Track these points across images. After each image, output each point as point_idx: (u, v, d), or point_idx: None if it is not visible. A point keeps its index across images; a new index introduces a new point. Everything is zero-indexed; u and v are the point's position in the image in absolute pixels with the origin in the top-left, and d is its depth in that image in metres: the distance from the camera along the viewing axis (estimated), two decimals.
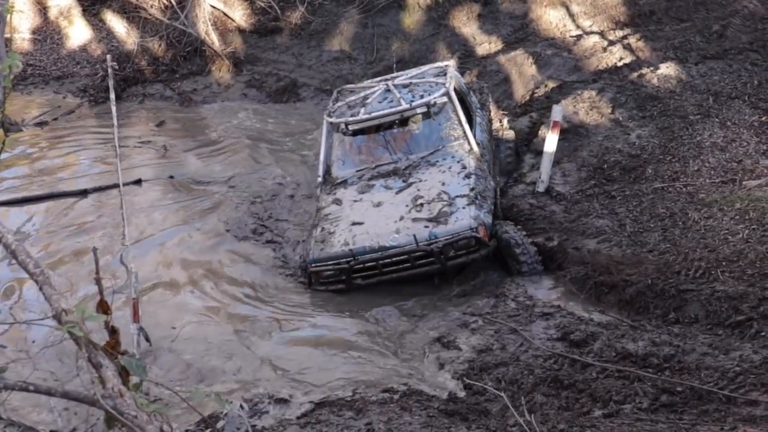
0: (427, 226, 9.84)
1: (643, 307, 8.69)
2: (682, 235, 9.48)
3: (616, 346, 7.58)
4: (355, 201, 10.72)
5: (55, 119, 17.26)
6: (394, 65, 15.67)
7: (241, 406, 6.54)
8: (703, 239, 9.20)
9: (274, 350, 8.85)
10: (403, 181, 10.75)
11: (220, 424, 6.36)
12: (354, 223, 10.28)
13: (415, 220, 9.98)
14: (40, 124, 17.09)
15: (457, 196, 10.18)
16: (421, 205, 10.19)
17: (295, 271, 10.96)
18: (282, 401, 7.22)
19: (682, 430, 5.81)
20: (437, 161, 11.01)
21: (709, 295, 8.14)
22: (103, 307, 3.70)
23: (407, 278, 9.92)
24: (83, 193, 13.53)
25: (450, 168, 10.78)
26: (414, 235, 9.71)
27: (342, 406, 7.06)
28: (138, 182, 13.82)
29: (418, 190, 10.49)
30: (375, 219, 10.22)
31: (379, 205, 10.46)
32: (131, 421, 2.99)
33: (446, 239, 9.67)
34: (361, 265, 9.86)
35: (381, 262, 9.78)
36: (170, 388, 4.77)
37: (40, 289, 3.51)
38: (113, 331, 3.66)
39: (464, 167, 10.71)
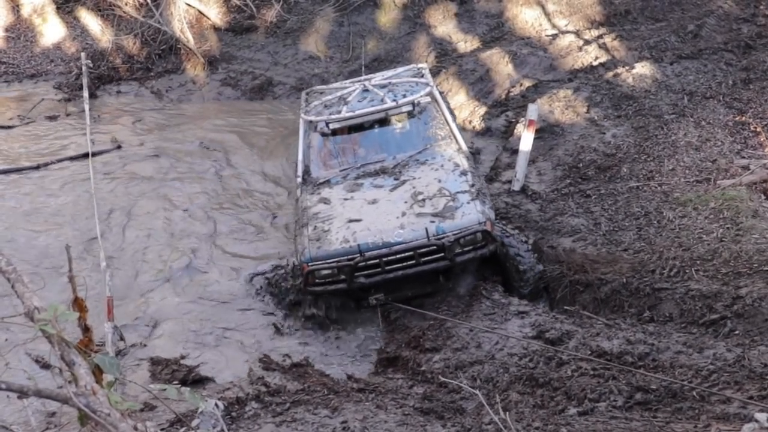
0: (433, 221, 9.56)
1: (618, 306, 8.74)
2: (656, 234, 9.53)
3: (591, 345, 7.59)
4: (345, 199, 10.38)
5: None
6: (363, 65, 15.61)
7: (216, 404, 6.50)
8: (677, 238, 9.25)
9: None
10: (395, 179, 10.50)
11: (194, 423, 6.30)
12: (351, 221, 9.91)
13: (419, 215, 9.70)
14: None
15: (458, 192, 9.95)
16: (423, 200, 9.92)
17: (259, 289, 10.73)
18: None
19: (656, 428, 5.83)
20: (427, 160, 10.80)
21: (684, 294, 8.19)
22: (79, 305, 3.67)
23: (412, 275, 9.59)
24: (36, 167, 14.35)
25: (442, 166, 10.58)
26: (426, 229, 9.43)
27: (317, 404, 7.04)
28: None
29: (414, 187, 10.24)
30: (374, 216, 9.90)
31: (374, 202, 10.15)
32: (104, 419, 2.95)
33: (455, 234, 9.40)
34: (364, 263, 9.49)
35: (385, 259, 9.45)
36: (144, 386, 4.74)
37: (12, 287, 3.46)
38: (86, 329, 3.63)
39: (457, 165, 10.52)
